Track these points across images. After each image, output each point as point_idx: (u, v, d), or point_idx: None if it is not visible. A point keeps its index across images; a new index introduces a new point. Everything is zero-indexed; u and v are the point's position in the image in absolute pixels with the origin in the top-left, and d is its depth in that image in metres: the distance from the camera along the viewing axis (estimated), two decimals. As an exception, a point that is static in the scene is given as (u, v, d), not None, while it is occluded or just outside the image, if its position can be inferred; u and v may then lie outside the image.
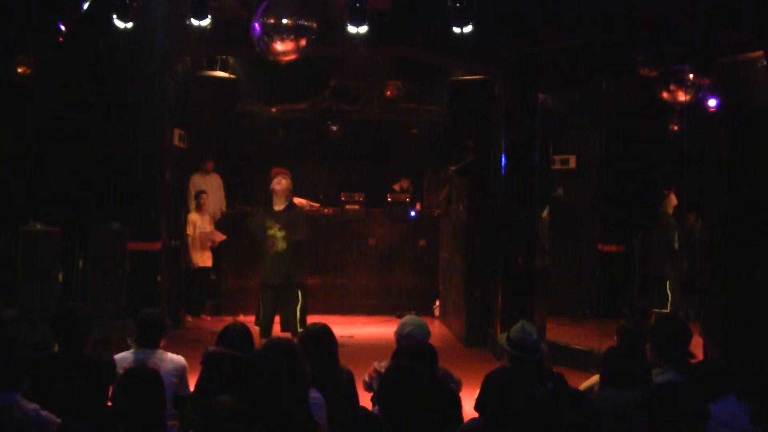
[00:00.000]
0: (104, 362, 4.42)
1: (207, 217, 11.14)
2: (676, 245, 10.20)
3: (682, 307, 10.09)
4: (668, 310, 10.03)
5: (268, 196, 8.88)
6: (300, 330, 8.20)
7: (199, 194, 11.13)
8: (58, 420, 3.74)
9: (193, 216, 10.97)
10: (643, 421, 3.16)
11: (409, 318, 4.98)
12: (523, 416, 3.53)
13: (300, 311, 8.60)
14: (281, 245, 8.57)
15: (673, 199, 10.34)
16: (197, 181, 11.58)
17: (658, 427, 3.10)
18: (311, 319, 4.82)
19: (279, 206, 8.72)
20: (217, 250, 11.26)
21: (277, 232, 8.57)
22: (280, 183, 8.79)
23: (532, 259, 9.08)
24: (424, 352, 4.53)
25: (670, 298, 10.23)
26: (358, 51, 9.50)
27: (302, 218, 9.10)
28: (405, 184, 13.49)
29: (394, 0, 8.50)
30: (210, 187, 11.71)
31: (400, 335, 4.84)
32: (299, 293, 8.69)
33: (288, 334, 8.07)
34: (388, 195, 12.57)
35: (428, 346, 4.64)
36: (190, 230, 10.88)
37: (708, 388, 3.84)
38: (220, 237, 11.11)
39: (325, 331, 4.58)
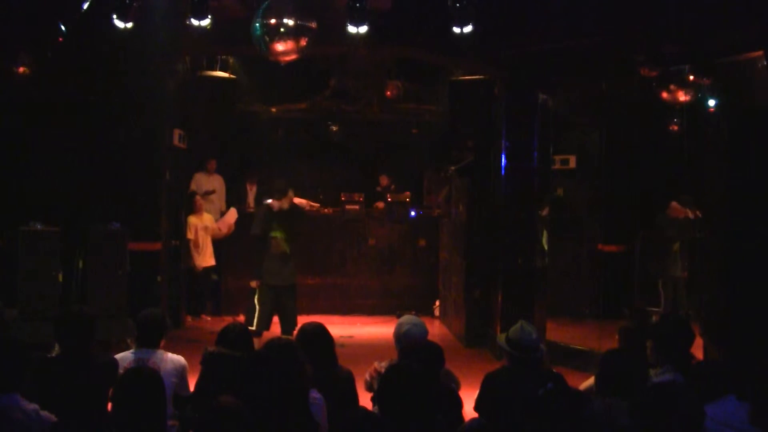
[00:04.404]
0: (106, 362, 4.42)
1: (205, 216, 11.09)
2: (676, 246, 10.18)
3: (678, 306, 10.07)
4: (661, 309, 10.03)
5: (266, 196, 8.80)
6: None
7: (191, 196, 11.09)
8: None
9: (192, 219, 10.92)
10: (638, 422, 3.15)
11: (405, 318, 4.98)
12: (523, 416, 3.53)
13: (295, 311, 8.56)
14: (285, 247, 8.52)
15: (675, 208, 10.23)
16: (200, 180, 11.59)
17: (653, 428, 3.10)
18: (312, 320, 4.80)
19: (282, 206, 8.64)
20: (218, 251, 11.24)
21: (279, 234, 8.50)
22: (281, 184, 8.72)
23: (532, 259, 9.08)
24: (430, 351, 4.52)
25: (662, 297, 10.23)
26: (358, 51, 9.49)
27: (304, 217, 9.03)
28: (384, 180, 13.46)
29: (394, 0, 8.50)
30: (212, 187, 11.73)
31: (398, 336, 4.84)
32: (294, 293, 8.62)
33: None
34: (388, 195, 12.58)
35: (434, 345, 4.63)
36: (190, 234, 10.85)
37: (708, 388, 3.85)
38: (226, 225, 11.05)
39: (320, 329, 4.56)
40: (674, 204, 10.13)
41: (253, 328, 8.27)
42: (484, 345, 9.37)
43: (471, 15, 7.28)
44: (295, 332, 7.99)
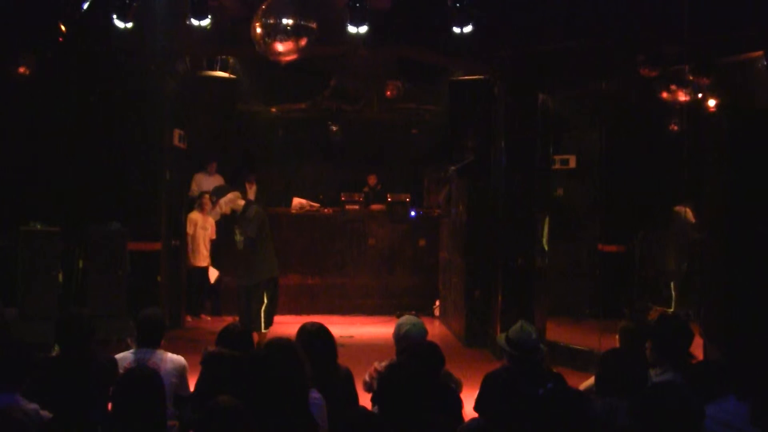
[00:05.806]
0: (105, 362, 4.43)
1: (209, 219, 11.08)
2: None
3: (684, 305, 10.08)
4: (672, 309, 10.02)
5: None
6: (264, 330, 8.20)
7: (201, 195, 11.09)
8: (58, 420, 3.75)
9: (194, 215, 10.92)
10: (638, 422, 3.15)
11: (405, 318, 4.98)
12: (523, 416, 3.53)
13: (264, 312, 8.37)
14: (240, 247, 8.41)
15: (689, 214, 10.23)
16: (201, 181, 11.58)
17: (653, 427, 3.10)
18: (312, 320, 4.79)
19: (234, 208, 8.51)
20: (216, 250, 11.23)
21: (237, 236, 8.42)
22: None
23: (532, 259, 9.07)
24: (430, 351, 4.52)
25: (674, 296, 10.21)
26: (358, 51, 9.50)
27: (255, 217, 8.55)
28: (372, 180, 13.44)
29: (394, 0, 8.51)
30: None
31: (397, 336, 4.83)
32: (264, 293, 8.37)
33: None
34: (388, 195, 12.58)
35: (433, 345, 4.63)
36: (190, 230, 10.84)
37: (707, 388, 3.84)
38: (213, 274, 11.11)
39: (321, 329, 4.56)
40: (689, 210, 10.16)
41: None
42: (484, 345, 9.37)
43: (471, 15, 7.30)
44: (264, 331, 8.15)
